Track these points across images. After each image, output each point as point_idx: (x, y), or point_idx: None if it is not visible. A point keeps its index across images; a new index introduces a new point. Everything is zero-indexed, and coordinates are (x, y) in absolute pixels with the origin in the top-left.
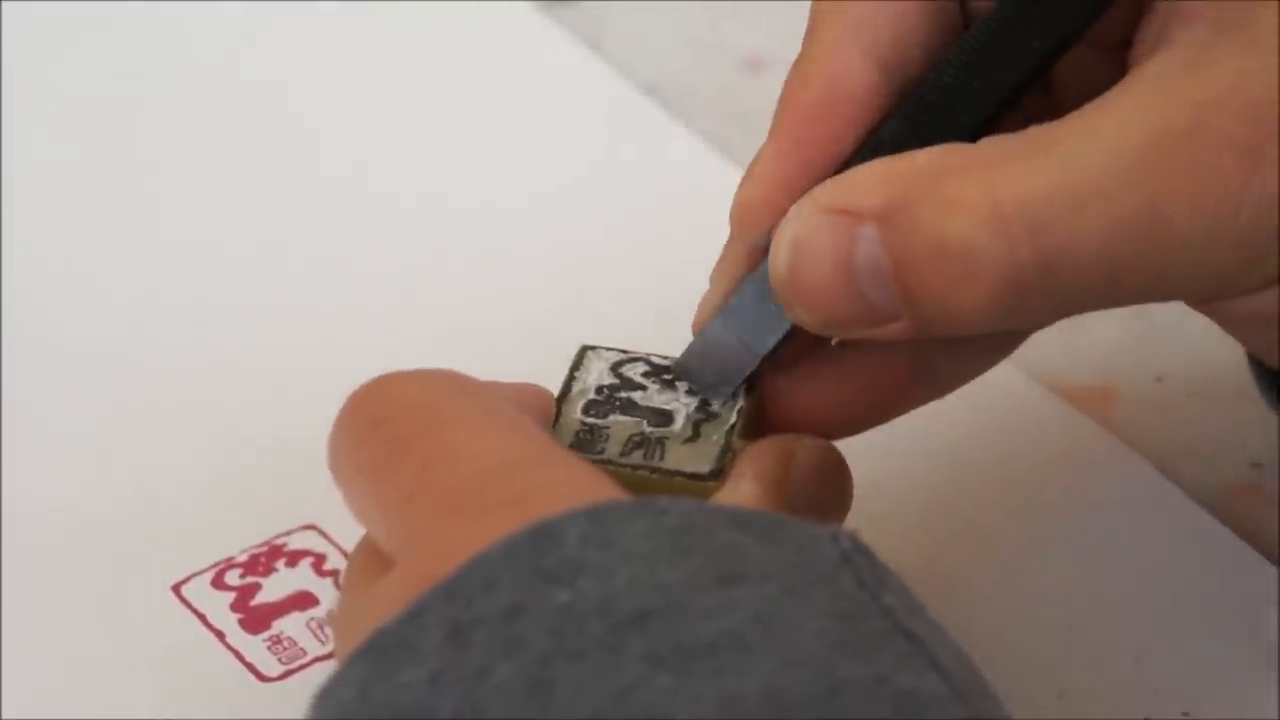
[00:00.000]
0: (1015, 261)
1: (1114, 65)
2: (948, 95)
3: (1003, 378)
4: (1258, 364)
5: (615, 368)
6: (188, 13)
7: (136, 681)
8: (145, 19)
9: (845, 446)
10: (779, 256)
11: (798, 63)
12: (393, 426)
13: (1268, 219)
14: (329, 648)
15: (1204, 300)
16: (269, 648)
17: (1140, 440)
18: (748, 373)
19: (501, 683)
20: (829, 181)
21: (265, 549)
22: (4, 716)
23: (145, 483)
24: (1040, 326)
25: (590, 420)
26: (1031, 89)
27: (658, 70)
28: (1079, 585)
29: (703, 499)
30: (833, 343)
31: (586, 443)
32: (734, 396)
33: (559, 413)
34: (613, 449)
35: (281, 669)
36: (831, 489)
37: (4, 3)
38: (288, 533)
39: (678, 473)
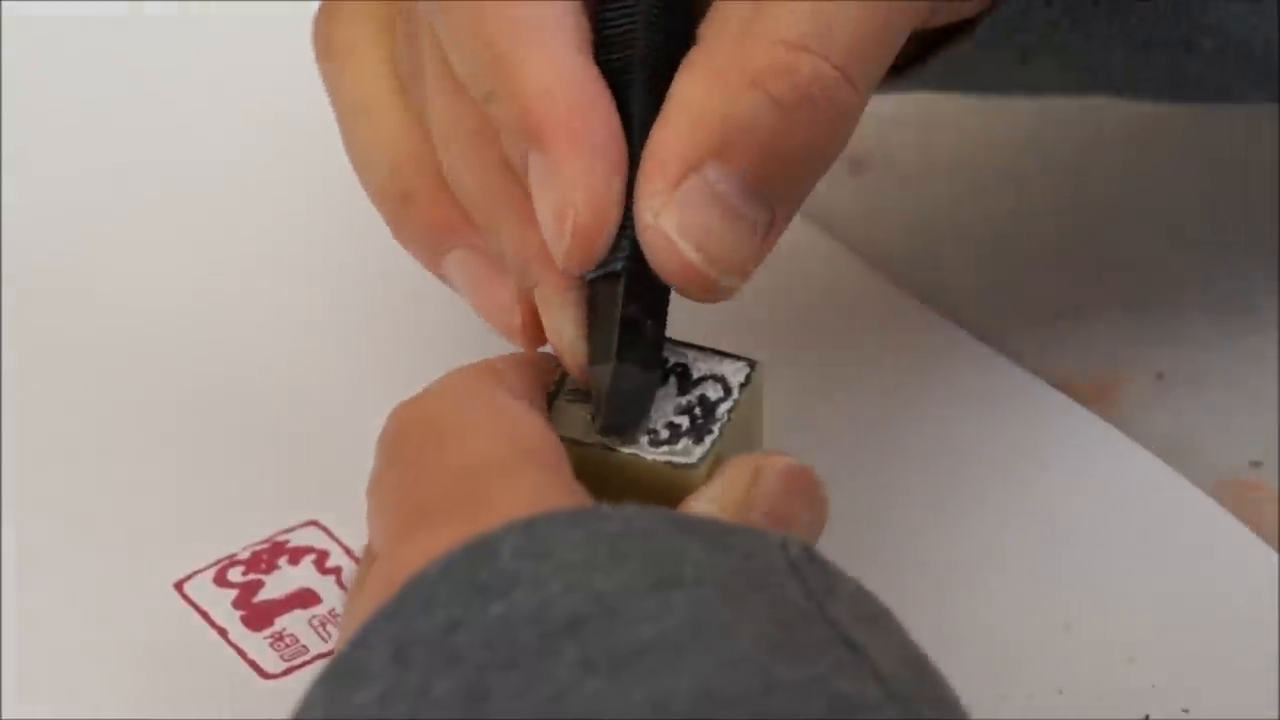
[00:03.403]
0: (832, 69)
1: None
2: (664, 49)
3: (1000, 370)
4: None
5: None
6: (188, 12)
7: (139, 678)
8: (146, 17)
9: (843, 441)
10: (680, 251)
11: (513, 84)
12: (404, 443)
13: None
14: (331, 645)
15: None
16: (271, 645)
17: (1140, 437)
18: (654, 392)
19: (441, 697)
20: (647, 172)
21: (268, 546)
22: (4, 715)
23: (147, 480)
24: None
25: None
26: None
27: None
28: (1078, 581)
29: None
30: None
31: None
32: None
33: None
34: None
35: (284, 666)
36: (799, 513)
37: (4, 2)
38: (290, 530)
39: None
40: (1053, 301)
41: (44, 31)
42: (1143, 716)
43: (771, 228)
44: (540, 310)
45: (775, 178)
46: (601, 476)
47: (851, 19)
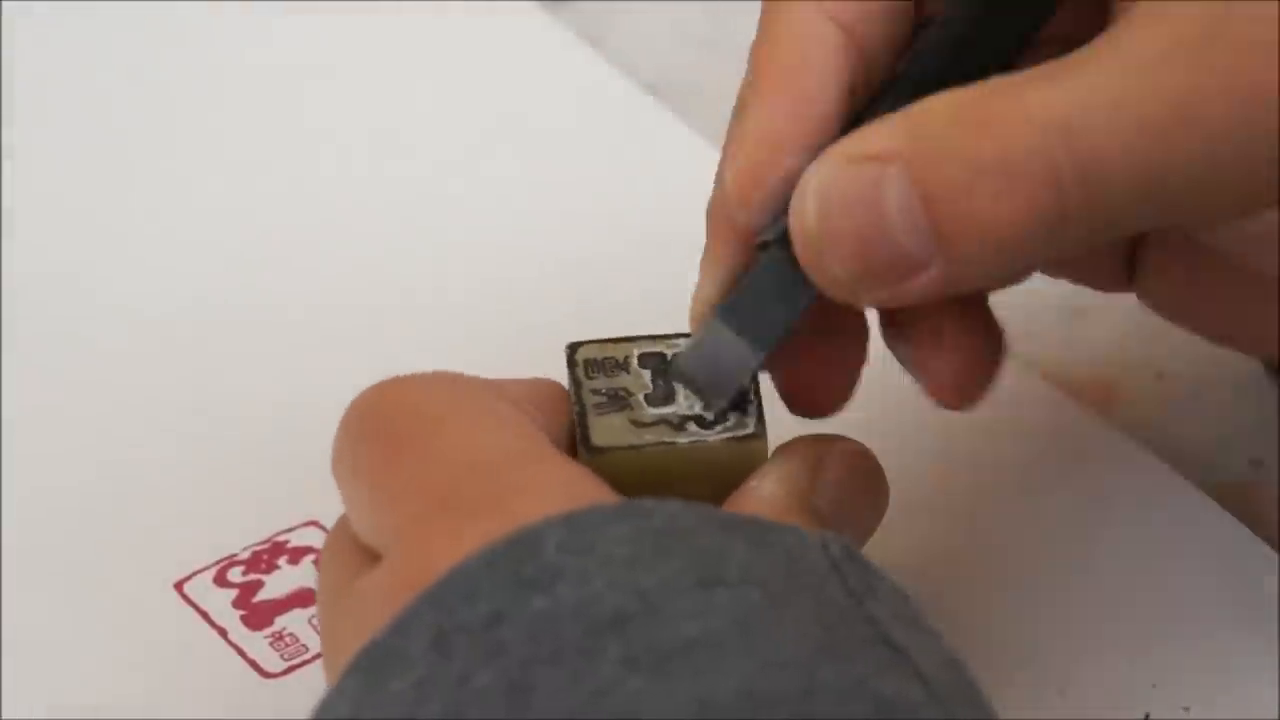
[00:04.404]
0: (1053, 167)
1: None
2: (939, 77)
3: (1012, 376)
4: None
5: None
6: (192, 12)
7: (139, 679)
8: (152, 16)
9: None
10: (806, 208)
11: (762, 34)
12: (392, 427)
13: None
14: None
15: (1242, 210)
16: (271, 644)
17: (1140, 437)
18: (750, 374)
19: (482, 688)
20: (846, 136)
21: (268, 546)
22: (4, 715)
23: (147, 480)
24: (1076, 251)
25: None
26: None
27: (660, 68)
28: (1081, 580)
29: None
30: (861, 307)
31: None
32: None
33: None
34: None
35: (284, 665)
36: (862, 497)
37: (4, 1)
38: (290, 529)
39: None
40: (1053, 301)
41: (45, 28)
42: (1143, 715)
43: (915, 270)
44: (701, 261)
45: (953, 228)
46: (657, 477)
47: (1113, 143)
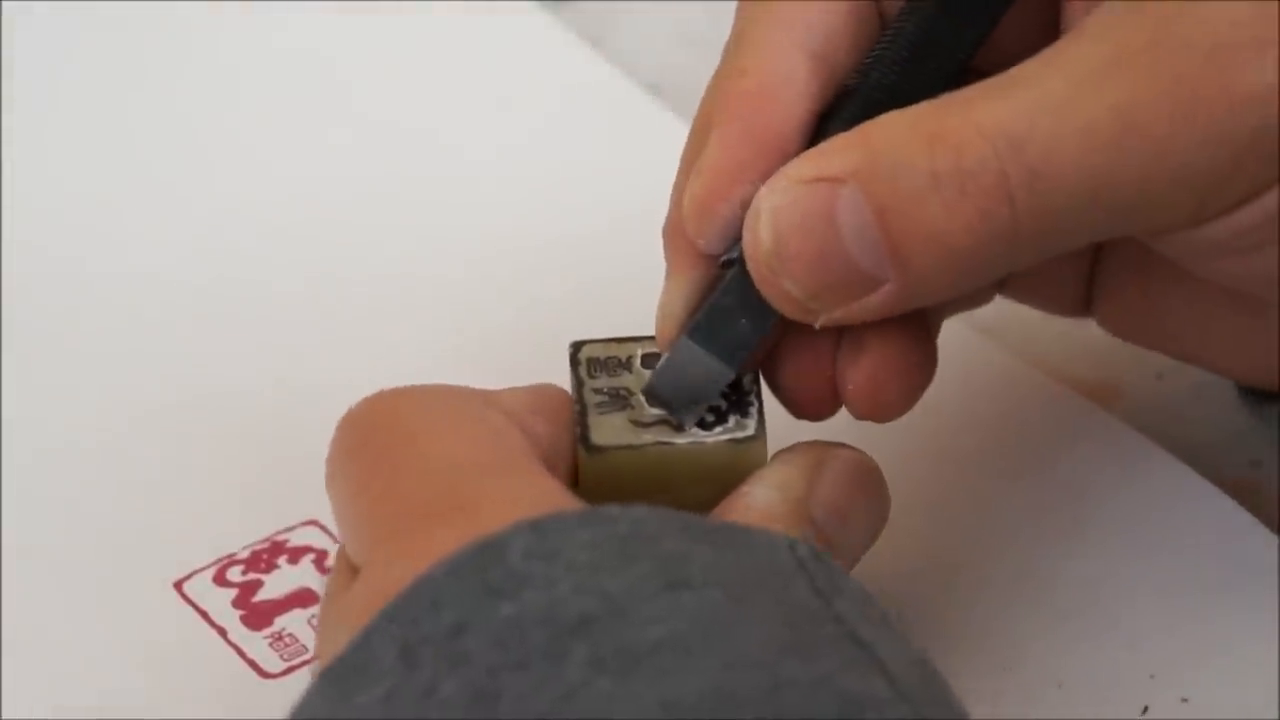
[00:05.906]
0: (1004, 178)
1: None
2: (890, 92)
3: (998, 360)
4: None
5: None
6: (192, 11)
7: (138, 678)
8: (150, 15)
9: (843, 434)
10: (760, 230)
11: (729, 59)
12: (374, 440)
13: (1245, 117)
14: None
15: (1192, 219)
16: (271, 644)
17: None
18: (720, 390)
19: (448, 697)
20: (798, 158)
21: (267, 545)
22: (4, 715)
23: (147, 479)
24: (1029, 264)
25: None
26: (964, 76)
27: (661, 69)
28: (1078, 571)
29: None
30: (816, 326)
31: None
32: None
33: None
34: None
35: (283, 666)
36: (862, 505)
37: (5, 1)
38: (289, 529)
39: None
40: None
41: (47, 26)
42: (1142, 708)
43: (870, 287)
44: (665, 280)
45: (907, 241)
46: (655, 476)
47: (1058, 151)
